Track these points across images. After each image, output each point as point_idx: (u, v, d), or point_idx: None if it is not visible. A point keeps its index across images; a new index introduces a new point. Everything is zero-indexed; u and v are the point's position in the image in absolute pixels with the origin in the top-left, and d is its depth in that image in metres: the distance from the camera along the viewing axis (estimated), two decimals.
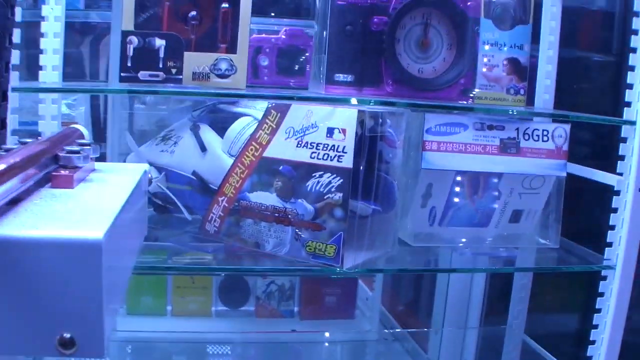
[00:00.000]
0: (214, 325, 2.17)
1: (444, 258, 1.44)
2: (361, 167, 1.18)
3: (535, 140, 1.37)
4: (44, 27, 1.39)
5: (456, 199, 1.40)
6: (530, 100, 1.56)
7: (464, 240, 1.44)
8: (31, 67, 1.42)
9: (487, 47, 1.33)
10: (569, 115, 1.40)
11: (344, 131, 1.16)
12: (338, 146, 1.17)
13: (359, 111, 1.16)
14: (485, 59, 1.34)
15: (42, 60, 1.40)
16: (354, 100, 1.24)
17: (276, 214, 1.24)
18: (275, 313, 2.22)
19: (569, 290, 1.91)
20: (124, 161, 1.50)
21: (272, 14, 1.85)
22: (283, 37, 1.56)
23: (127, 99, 1.58)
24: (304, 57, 1.56)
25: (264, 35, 1.57)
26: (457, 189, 1.40)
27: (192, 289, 2.20)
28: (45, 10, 1.38)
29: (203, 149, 1.35)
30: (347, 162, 1.16)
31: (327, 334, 2.13)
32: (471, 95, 1.35)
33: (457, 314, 1.98)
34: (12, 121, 1.13)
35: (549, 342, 1.73)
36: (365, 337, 2.16)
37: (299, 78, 1.55)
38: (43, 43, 1.39)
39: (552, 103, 1.57)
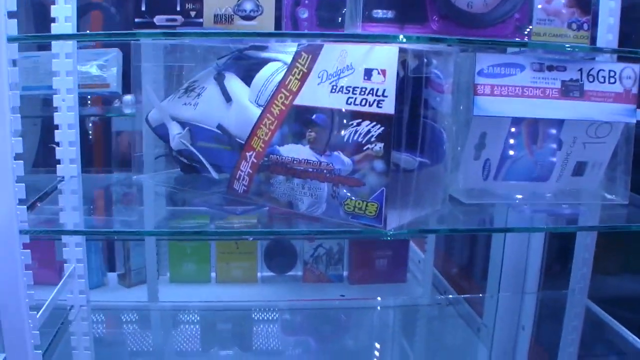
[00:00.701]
0: (259, 291, 2.12)
1: (499, 216, 1.29)
2: (404, 114, 1.03)
3: (600, 82, 1.21)
4: None
5: (512, 151, 1.25)
6: (592, 41, 1.40)
7: (521, 196, 1.29)
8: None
9: None
10: (638, 52, 1.23)
11: (383, 72, 1.02)
12: (377, 89, 1.02)
13: (401, 49, 1.02)
14: None
15: (54, 11, 1.29)
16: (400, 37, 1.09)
17: (310, 169, 1.11)
18: (323, 278, 2.17)
19: (636, 252, 1.75)
20: (147, 118, 1.37)
21: None
22: None
23: (154, 53, 1.46)
24: (345, 9, 1.43)
25: None
26: (513, 139, 1.25)
27: (236, 255, 2.15)
28: None
29: (228, 99, 1.22)
30: (388, 107, 1.02)
31: (378, 299, 2.04)
32: (526, 31, 1.19)
33: (515, 277, 1.84)
34: (11, 74, 1.01)
35: (614, 308, 1.59)
36: (418, 301, 2.06)
37: (341, 31, 1.43)
38: None
39: (616, 44, 1.40)
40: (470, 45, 1.16)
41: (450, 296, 2.05)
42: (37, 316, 1.13)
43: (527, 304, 1.83)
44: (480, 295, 1.93)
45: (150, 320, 1.94)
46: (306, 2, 1.39)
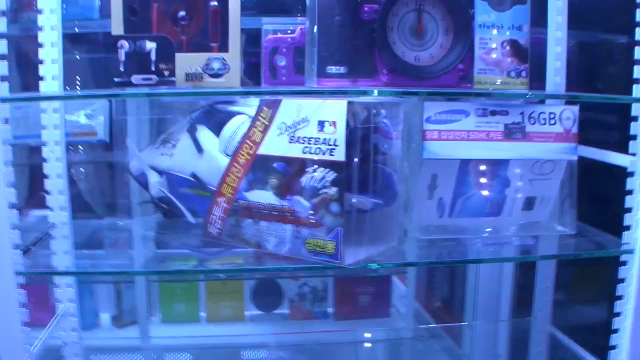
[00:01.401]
0: (248, 329, 2.20)
1: (454, 250, 1.41)
2: (355, 160, 1.17)
3: (542, 124, 1.35)
4: (41, 37, 1.42)
5: (464, 189, 1.38)
6: (541, 84, 1.53)
7: (478, 230, 1.42)
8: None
9: (484, 29, 1.31)
10: (579, 96, 1.37)
11: (334, 124, 1.15)
12: (329, 139, 1.16)
13: (349, 103, 1.15)
14: (482, 43, 1.31)
15: (42, 70, 1.42)
16: (377, 91, 1.22)
17: (274, 212, 1.24)
18: (309, 315, 2.24)
19: (591, 279, 1.87)
20: (129, 167, 1.51)
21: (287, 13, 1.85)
22: (299, 35, 1.55)
23: (135, 105, 1.59)
24: None
25: (280, 35, 1.57)
26: (464, 178, 1.38)
27: (224, 295, 2.23)
28: (41, 20, 1.42)
29: (200, 150, 1.36)
30: (340, 155, 1.15)
31: (364, 335, 2.14)
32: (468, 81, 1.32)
33: (488, 308, 1.97)
34: (3, 132, 1.15)
35: (577, 333, 1.70)
36: (401, 334, 2.16)
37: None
38: (41, 53, 1.42)
39: (563, 86, 1.54)
40: (436, 96, 1.30)
41: (432, 325, 2.16)
42: (32, 350, 1.26)
43: (501, 333, 1.95)
44: (459, 324, 2.05)
45: (142, 358, 2.04)
46: (284, 50, 1.52)
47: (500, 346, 1.94)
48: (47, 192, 1.47)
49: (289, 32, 1.56)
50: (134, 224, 1.56)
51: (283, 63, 1.47)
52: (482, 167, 1.38)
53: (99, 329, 2.18)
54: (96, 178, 2.29)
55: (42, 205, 1.48)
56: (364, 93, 1.22)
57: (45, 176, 1.47)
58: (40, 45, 1.42)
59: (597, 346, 1.60)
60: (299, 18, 1.68)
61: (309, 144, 1.18)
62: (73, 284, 1.53)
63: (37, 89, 1.43)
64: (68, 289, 1.53)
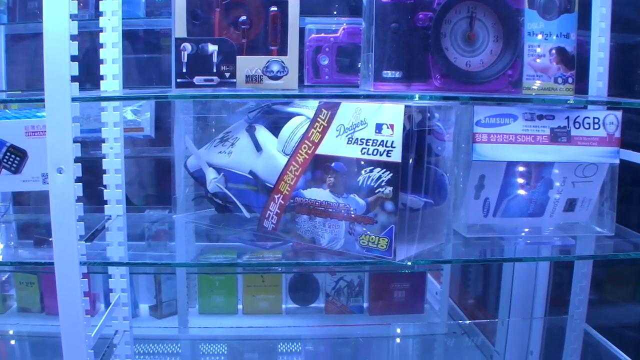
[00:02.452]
0: (284, 322, 2.30)
1: (499, 248, 1.49)
2: (410, 161, 1.25)
3: (586, 129, 1.42)
4: (103, 37, 1.51)
5: (509, 190, 1.46)
6: (584, 89, 1.61)
7: (520, 230, 1.50)
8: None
9: (532, 37, 1.39)
10: (621, 102, 1.44)
11: (392, 126, 1.24)
12: (387, 141, 1.25)
13: (406, 106, 1.24)
14: (531, 50, 1.39)
15: (103, 70, 1.51)
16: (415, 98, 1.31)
17: (330, 209, 1.33)
18: (344, 309, 2.33)
19: (628, 280, 1.94)
20: (185, 164, 1.60)
21: (334, 12, 1.94)
22: (342, 35, 1.63)
23: (190, 104, 1.68)
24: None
25: (323, 35, 1.64)
26: (510, 179, 1.46)
27: (262, 288, 2.34)
28: (102, 21, 1.51)
29: (259, 148, 1.45)
30: (396, 156, 1.24)
31: (397, 330, 2.21)
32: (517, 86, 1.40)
33: (523, 306, 2.04)
34: (74, 129, 1.24)
35: (613, 333, 1.77)
36: (435, 331, 2.24)
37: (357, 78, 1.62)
38: (102, 53, 1.51)
39: (605, 91, 1.61)
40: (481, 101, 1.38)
41: (466, 322, 2.24)
42: (92, 335, 1.35)
43: (535, 331, 2.02)
44: (493, 320, 2.12)
45: (180, 348, 2.13)
46: (327, 49, 1.60)
47: (534, 344, 2.01)
48: (105, 187, 1.56)
49: (332, 31, 1.64)
50: (185, 217, 1.64)
51: (326, 62, 1.55)
52: (528, 170, 1.45)
53: (138, 319, 2.27)
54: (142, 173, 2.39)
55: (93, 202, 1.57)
56: (414, 98, 1.30)
57: (104, 171, 1.56)
58: (102, 46, 1.51)
59: (632, 345, 1.68)
60: (342, 18, 1.77)
61: (367, 145, 1.27)
62: (126, 275, 1.62)
63: (87, 84, 1.54)
64: (121, 280, 1.62)
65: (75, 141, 1.26)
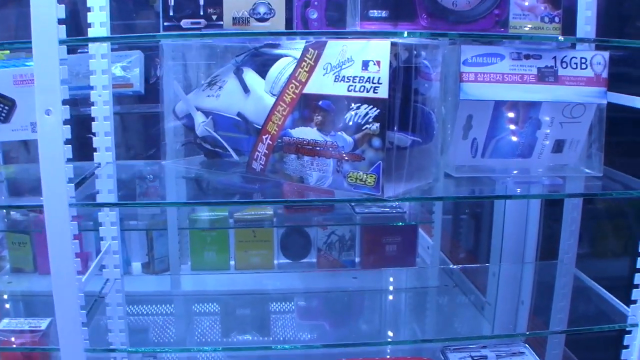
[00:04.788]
0: (276, 277, 2.33)
1: (487, 188, 1.52)
2: (397, 99, 1.28)
3: (573, 69, 1.45)
4: None
5: (497, 130, 1.49)
6: (572, 33, 1.63)
7: (509, 171, 1.53)
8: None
9: None
10: (608, 41, 1.46)
11: (378, 63, 1.27)
12: (373, 78, 1.27)
13: (392, 43, 1.26)
14: None
15: (90, 17, 1.53)
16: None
17: (317, 148, 1.36)
18: (336, 264, 2.36)
19: (616, 224, 1.98)
20: (174, 109, 1.62)
21: None
22: None
23: (180, 52, 1.70)
24: None
25: None
26: (498, 120, 1.48)
27: (254, 243, 2.36)
28: None
29: (246, 90, 1.47)
30: (383, 92, 1.26)
31: (391, 280, 2.28)
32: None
33: (514, 256, 2.08)
34: (62, 71, 1.26)
35: (601, 278, 1.81)
36: (426, 284, 2.27)
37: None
38: (89, 1, 1.52)
39: (593, 35, 1.63)
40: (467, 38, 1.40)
41: (456, 266, 2.28)
42: (83, 280, 1.38)
43: (525, 281, 2.06)
44: (486, 264, 2.16)
45: (173, 305, 2.16)
46: (315, 3, 1.61)
47: (524, 293, 2.04)
48: (94, 134, 1.58)
49: None
50: (173, 163, 1.66)
51: (315, 16, 1.56)
52: (515, 110, 1.48)
53: (130, 276, 2.30)
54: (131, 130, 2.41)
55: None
56: (403, 35, 1.32)
57: (93, 119, 1.58)
58: None
59: (621, 288, 1.71)
60: None
61: (354, 82, 1.30)
62: (117, 222, 1.65)
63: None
64: (112, 228, 1.65)
65: (63, 84, 1.28)
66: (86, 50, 1.61)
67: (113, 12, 1.55)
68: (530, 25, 1.42)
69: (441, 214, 2.24)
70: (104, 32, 1.53)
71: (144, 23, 2.29)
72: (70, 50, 1.75)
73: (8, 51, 1.61)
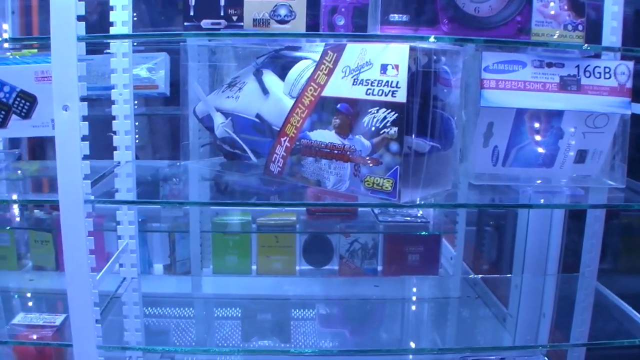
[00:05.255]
0: (298, 284, 2.32)
1: (508, 197, 1.51)
2: (415, 104, 1.27)
3: (597, 78, 1.43)
4: None
5: (518, 139, 1.48)
6: (596, 43, 1.61)
7: (530, 180, 1.51)
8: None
9: None
10: (634, 50, 1.45)
11: (397, 67, 1.26)
12: (392, 82, 1.27)
13: (411, 48, 1.26)
14: None
15: (112, 16, 1.54)
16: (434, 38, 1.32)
17: (335, 151, 1.35)
18: (358, 272, 2.35)
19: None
20: (194, 110, 1.63)
21: None
22: None
23: (204, 54, 1.71)
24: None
25: None
26: (519, 128, 1.47)
27: (276, 249, 2.35)
28: None
29: (265, 92, 1.48)
30: (401, 96, 1.26)
31: (413, 290, 2.27)
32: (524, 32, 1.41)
33: (536, 269, 2.07)
34: (79, 68, 1.27)
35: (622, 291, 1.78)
36: (449, 294, 2.25)
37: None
38: (112, 0, 1.53)
39: (619, 45, 1.61)
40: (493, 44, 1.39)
41: (478, 276, 2.26)
42: (97, 277, 1.39)
43: (547, 293, 2.04)
44: (509, 275, 2.15)
45: (193, 307, 2.17)
46: (342, 10, 1.61)
47: (546, 306, 2.02)
48: (115, 133, 1.59)
49: None
50: (193, 164, 1.67)
51: (342, 22, 1.56)
52: (537, 118, 1.47)
53: (151, 276, 2.31)
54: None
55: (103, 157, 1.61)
56: (424, 39, 1.32)
57: (114, 117, 1.60)
58: None
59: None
60: None
61: (372, 86, 1.29)
62: (135, 221, 1.66)
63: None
64: (130, 226, 1.66)
65: (81, 80, 1.29)
66: None
67: (142, 16, 1.56)
68: (553, 33, 1.41)
69: (464, 224, 2.23)
70: (126, 30, 1.54)
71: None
72: (97, 51, 1.79)
73: (36, 50, 1.62)
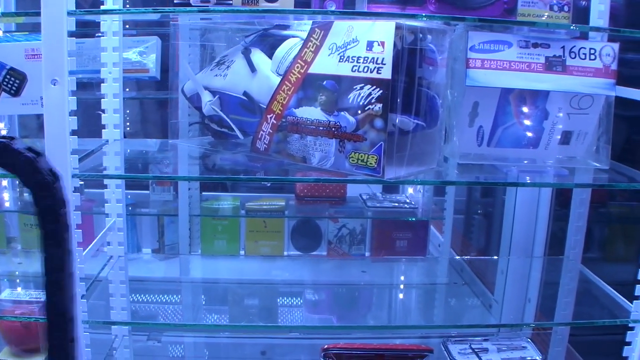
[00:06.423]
0: (286, 268, 2.35)
1: (492, 176, 1.52)
2: (400, 81, 1.28)
3: (582, 59, 1.45)
4: None
5: (503, 119, 1.49)
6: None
7: (515, 161, 1.53)
8: None
9: None
10: (620, 30, 1.46)
11: (382, 44, 1.27)
12: (377, 58, 1.28)
13: (397, 25, 1.27)
14: None
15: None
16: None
17: (320, 127, 1.37)
18: (346, 257, 2.37)
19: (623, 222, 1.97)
20: (182, 89, 1.64)
21: None
22: None
23: (194, 33, 1.72)
24: None
25: None
26: (504, 108, 1.48)
27: (264, 233, 2.37)
28: None
29: (253, 69, 1.49)
30: (386, 73, 1.27)
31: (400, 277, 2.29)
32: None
33: (522, 250, 2.09)
34: (69, 43, 1.28)
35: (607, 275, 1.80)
36: (435, 280, 2.28)
37: None
38: None
39: None
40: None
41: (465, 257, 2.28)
42: (84, 253, 1.40)
43: (533, 279, 2.06)
44: (495, 257, 2.18)
45: (181, 290, 2.18)
46: None
47: (532, 291, 2.04)
48: (103, 111, 1.61)
49: None
50: (181, 142, 1.68)
51: (333, 8, 1.57)
52: (522, 99, 1.48)
53: (141, 259, 2.32)
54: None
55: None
56: (413, 17, 1.33)
57: (102, 96, 1.61)
58: None
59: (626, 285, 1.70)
60: None
61: (358, 62, 1.31)
62: (122, 199, 1.67)
63: None
64: (117, 204, 1.67)
65: (70, 55, 1.30)
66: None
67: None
68: (540, 14, 1.42)
69: (452, 211, 2.24)
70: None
71: None
72: (89, 35, 1.80)
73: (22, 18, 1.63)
